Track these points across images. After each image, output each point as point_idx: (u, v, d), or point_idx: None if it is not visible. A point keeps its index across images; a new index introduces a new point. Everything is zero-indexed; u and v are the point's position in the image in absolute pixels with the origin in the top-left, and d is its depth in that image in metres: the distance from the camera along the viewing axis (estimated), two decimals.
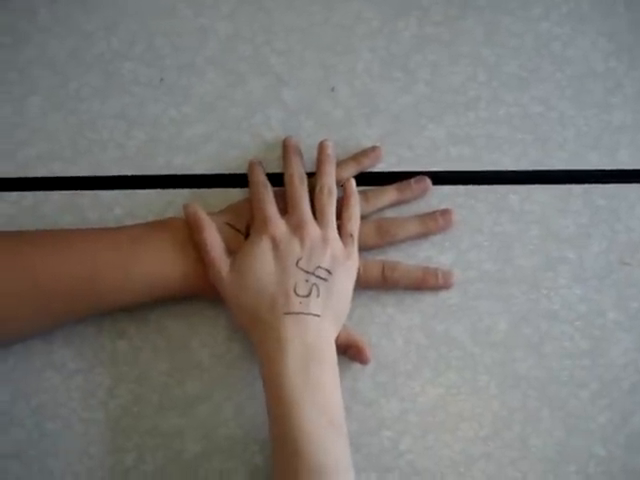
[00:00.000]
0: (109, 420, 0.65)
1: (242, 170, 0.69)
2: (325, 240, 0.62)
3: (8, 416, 0.65)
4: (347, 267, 0.62)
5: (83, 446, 0.65)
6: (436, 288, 0.67)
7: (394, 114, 0.72)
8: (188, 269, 0.63)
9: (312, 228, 0.62)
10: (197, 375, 0.66)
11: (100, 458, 0.65)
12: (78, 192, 0.70)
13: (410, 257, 0.67)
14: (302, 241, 0.62)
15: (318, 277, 0.60)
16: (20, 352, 0.66)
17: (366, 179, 0.69)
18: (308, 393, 0.57)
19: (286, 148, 0.68)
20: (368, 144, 0.71)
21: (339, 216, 0.65)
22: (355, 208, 0.65)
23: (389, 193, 0.68)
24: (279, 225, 0.62)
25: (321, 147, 0.68)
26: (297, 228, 0.62)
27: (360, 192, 0.66)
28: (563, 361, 0.66)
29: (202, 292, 0.65)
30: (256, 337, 0.61)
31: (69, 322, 0.65)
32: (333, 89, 0.73)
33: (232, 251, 0.63)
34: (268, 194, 0.65)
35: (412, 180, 0.69)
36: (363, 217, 0.66)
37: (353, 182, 0.66)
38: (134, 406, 0.66)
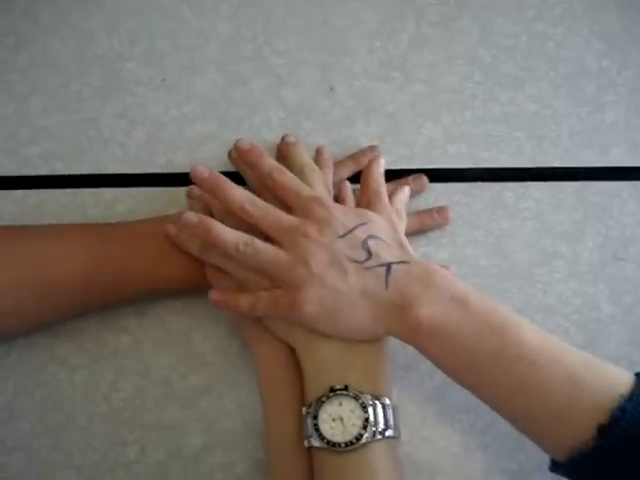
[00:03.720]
0: (112, 413, 0.66)
1: None
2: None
3: (11, 410, 0.66)
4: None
5: (86, 439, 0.65)
6: None
7: (392, 113, 0.73)
8: (189, 262, 0.64)
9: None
10: (199, 368, 0.67)
11: (103, 451, 0.65)
12: (80, 190, 0.71)
13: None
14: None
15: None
16: (23, 347, 0.67)
17: None
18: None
19: (287, 144, 0.68)
20: (366, 143, 0.72)
21: None
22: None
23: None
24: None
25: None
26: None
27: (355, 189, 0.67)
28: None
29: (202, 284, 0.65)
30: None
31: (72, 314, 0.66)
32: (332, 89, 0.74)
33: None
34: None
35: (409, 178, 0.70)
36: None
37: (347, 183, 0.67)
38: (136, 399, 0.66)
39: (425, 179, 0.70)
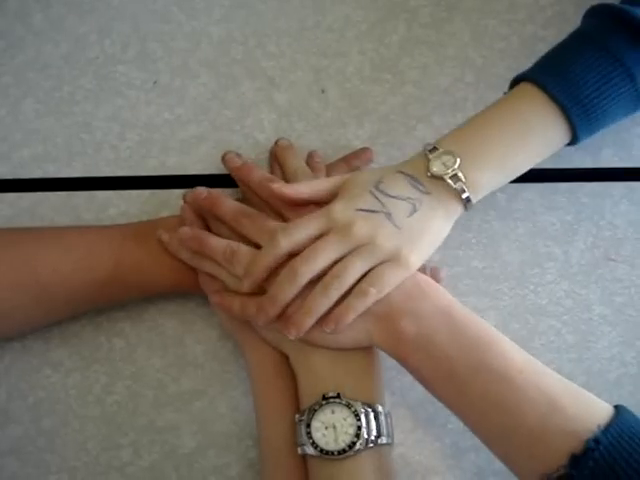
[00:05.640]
0: (105, 416, 0.66)
1: None
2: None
3: (5, 413, 0.66)
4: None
5: (80, 442, 0.66)
6: None
7: (384, 115, 0.73)
8: (179, 265, 0.64)
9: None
10: (192, 371, 0.67)
11: (96, 454, 0.66)
12: (73, 193, 0.71)
13: None
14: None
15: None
16: (17, 350, 0.67)
17: None
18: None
19: (281, 148, 0.69)
20: (358, 144, 0.72)
21: None
22: None
23: None
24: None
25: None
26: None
27: None
28: (551, 355, 0.67)
29: (192, 288, 0.65)
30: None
31: (66, 317, 0.67)
32: (324, 91, 0.74)
33: None
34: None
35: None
36: None
37: None
38: (130, 402, 0.67)
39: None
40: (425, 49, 0.75)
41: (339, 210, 0.57)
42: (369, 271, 0.57)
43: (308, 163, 0.68)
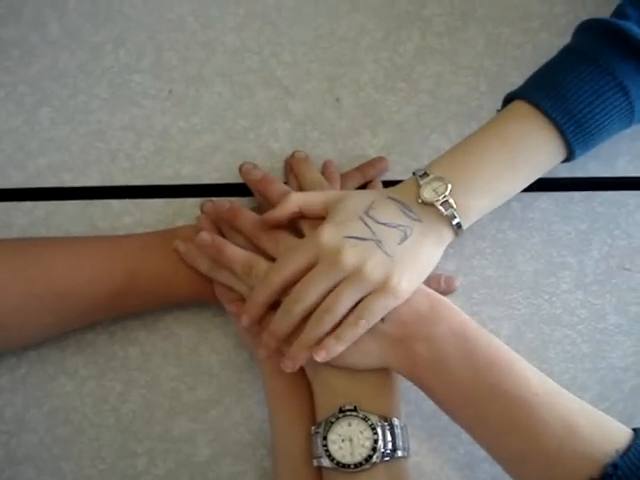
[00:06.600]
0: (121, 425, 0.67)
1: None
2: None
3: (21, 421, 0.67)
4: None
5: (95, 450, 0.66)
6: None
7: (398, 124, 0.73)
8: (196, 276, 0.64)
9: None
10: (207, 380, 0.67)
11: (112, 462, 0.66)
12: (89, 202, 0.72)
13: None
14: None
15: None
16: (33, 359, 0.68)
17: None
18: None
19: (297, 160, 0.69)
20: (373, 154, 0.72)
21: None
22: None
23: None
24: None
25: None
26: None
27: None
28: (565, 364, 0.67)
29: (208, 298, 0.66)
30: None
31: (81, 326, 0.67)
32: (338, 100, 0.74)
33: None
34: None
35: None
36: None
37: None
38: (145, 411, 0.67)
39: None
40: (439, 58, 0.75)
41: (327, 236, 0.57)
42: (360, 299, 0.56)
43: (323, 173, 0.68)
